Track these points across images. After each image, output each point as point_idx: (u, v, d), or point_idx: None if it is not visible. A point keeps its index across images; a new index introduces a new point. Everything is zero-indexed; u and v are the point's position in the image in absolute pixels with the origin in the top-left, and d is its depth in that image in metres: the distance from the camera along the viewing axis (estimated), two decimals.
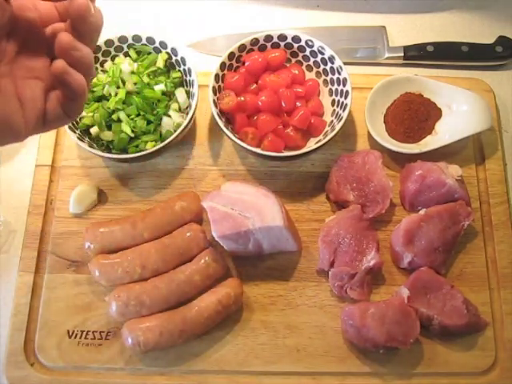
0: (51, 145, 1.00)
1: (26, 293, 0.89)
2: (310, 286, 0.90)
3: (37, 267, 0.91)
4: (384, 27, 1.12)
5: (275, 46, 1.00)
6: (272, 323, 0.87)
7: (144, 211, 0.91)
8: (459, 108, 0.98)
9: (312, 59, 1.01)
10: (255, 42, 0.98)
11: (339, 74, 0.96)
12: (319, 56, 0.99)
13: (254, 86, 0.97)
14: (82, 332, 0.86)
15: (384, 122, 1.01)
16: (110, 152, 0.93)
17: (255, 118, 0.95)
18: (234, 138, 0.90)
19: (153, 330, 0.81)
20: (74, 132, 0.90)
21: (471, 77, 1.08)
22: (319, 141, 0.93)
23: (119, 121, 0.93)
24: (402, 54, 1.08)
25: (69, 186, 0.96)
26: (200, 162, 0.99)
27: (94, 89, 0.94)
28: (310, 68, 1.02)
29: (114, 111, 0.93)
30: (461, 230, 0.89)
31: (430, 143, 0.98)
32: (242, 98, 0.94)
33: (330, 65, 0.98)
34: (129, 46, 0.98)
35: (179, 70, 0.98)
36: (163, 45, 0.97)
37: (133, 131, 0.92)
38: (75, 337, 0.86)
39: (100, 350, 0.85)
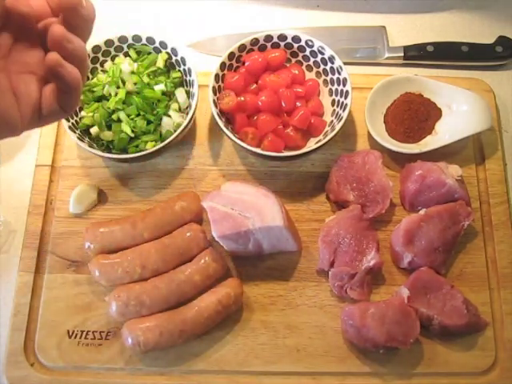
0: (51, 145, 1.00)
1: (25, 293, 0.89)
2: (310, 285, 0.90)
3: (37, 267, 0.91)
4: (384, 27, 1.12)
5: (275, 45, 1.00)
6: (272, 323, 0.87)
7: (144, 211, 0.91)
8: (459, 108, 0.98)
9: (312, 59, 1.01)
10: (255, 41, 0.98)
11: (339, 74, 0.96)
12: (319, 56, 0.99)
13: (254, 85, 0.97)
14: (82, 332, 0.86)
15: (384, 122, 1.01)
16: (110, 152, 0.93)
17: (255, 118, 0.95)
18: (234, 138, 0.90)
19: (153, 330, 0.81)
20: (74, 132, 0.90)
21: (471, 77, 1.08)
22: (319, 141, 0.93)
23: (119, 121, 0.93)
24: (402, 54, 1.08)
25: (69, 186, 0.96)
26: (200, 161, 0.99)
27: (94, 89, 0.94)
28: (309, 68, 1.02)
29: (114, 111, 0.93)
30: (461, 230, 0.89)
31: (430, 143, 0.98)
32: (242, 98, 0.94)
33: (330, 65, 0.98)
34: (129, 46, 0.98)
35: (179, 70, 0.98)
36: (163, 45, 0.97)
37: (133, 131, 0.92)
38: (75, 337, 0.86)
39: (100, 350, 0.85)
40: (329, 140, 0.90)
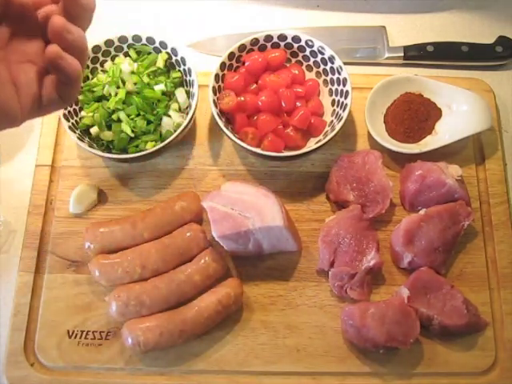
0: (51, 145, 1.00)
1: (25, 293, 0.89)
2: (310, 285, 0.90)
3: (37, 267, 0.91)
4: (384, 27, 1.12)
5: (275, 46, 1.00)
6: (272, 323, 0.87)
7: (144, 211, 0.91)
8: (459, 108, 0.98)
9: (312, 59, 1.01)
10: (255, 41, 0.98)
11: (339, 74, 0.96)
12: (319, 56, 0.99)
13: (254, 86, 0.97)
14: (82, 332, 0.86)
15: (384, 122, 1.01)
16: (110, 152, 0.93)
17: (255, 118, 0.95)
18: (234, 138, 0.90)
19: (153, 330, 0.81)
20: (74, 132, 0.90)
21: (471, 77, 1.08)
22: (319, 141, 0.93)
23: (119, 121, 0.93)
24: (402, 54, 1.08)
25: (69, 186, 0.96)
26: (200, 161, 0.99)
27: (94, 89, 0.94)
28: (309, 68, 1.02)
29: (114, 111, 0.93)
30: (461, 230, 0.89)
31: (430, 143, 0.98)
32: (242, 98, 0.94)
33: (330, 65, 0.98)
34: (129, 46, 0.98)
35: (179, 70, 0.98)
36: (163, 45, 0.97)
37: (133, 131, 0.92)
38: (75, 337, 0.86)
39: (100, 350, 0.85)
40: (329, 140, 0.90)
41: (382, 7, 1.17)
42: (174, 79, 0.97)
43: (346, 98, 0.94)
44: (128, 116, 0.92)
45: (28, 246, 0.92)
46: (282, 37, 0.99)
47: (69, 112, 0.92)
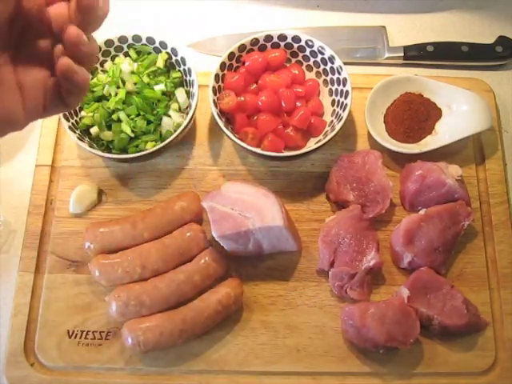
0: (51, 145, 1.00)
1: (25, 293, 0.89)
2: (310, 285, 0.90)
3: (37, 267, 0.91)
4: (384, 27, 1.12)
5: (275, 46, 1.00)
6: (272, 323, 0.87)
7: (144, 211, 0.91)
8: (459, 108, 0.98)
9: (312, 59, 1.01)
10: (255, 41, 0.98)
11: (339, 74, 0.96)
12: (319, 56, 0.99)
13: (254, 85, 0.97)
14: (82, 332, 0.86)
15: (384, 122, 1.01)
16: (110, 152, 0.93)
17: (255, 118, 0.95)
18: (234, 138, 0.90)
19: (153, 329, 0.81)
20: (74, 132, 0.90)
21: (471, 77, 1.08)
22: (319, 141, 0.93)
23: (119, 121, 0.93)
24: (402, 54, 1.08)
25: (69, 186, 0.96)
26: (200, 161, 0.99)
27: (94, 89, 0.94)
28: (309, 68, 1.02)
29: (114, 111, 0.93)
30: (461, 230, 0.89)
31: (430, 143, 0.98)
32: (242, 98, 0.94)
33: (330, 65, 0.98)
34: (129, 46, 0.98)
35: (179, 70, 0.98)
36: (163, 45, 0.97)
37: (133, 131, 0.92)
38: (75, 337, 0.86)
39: (100, 350, 0.85)
40: (329, 140, 0.90)
41: (382, 7, 1.17)
42: (174, 79, 0.97)
43: (345, 98, 0.94)
44: (128, 116, 0.92)
45: (28, 245, 0.92)
46: (282, 37, 0.99)
47: (69, 112, 0.92)
